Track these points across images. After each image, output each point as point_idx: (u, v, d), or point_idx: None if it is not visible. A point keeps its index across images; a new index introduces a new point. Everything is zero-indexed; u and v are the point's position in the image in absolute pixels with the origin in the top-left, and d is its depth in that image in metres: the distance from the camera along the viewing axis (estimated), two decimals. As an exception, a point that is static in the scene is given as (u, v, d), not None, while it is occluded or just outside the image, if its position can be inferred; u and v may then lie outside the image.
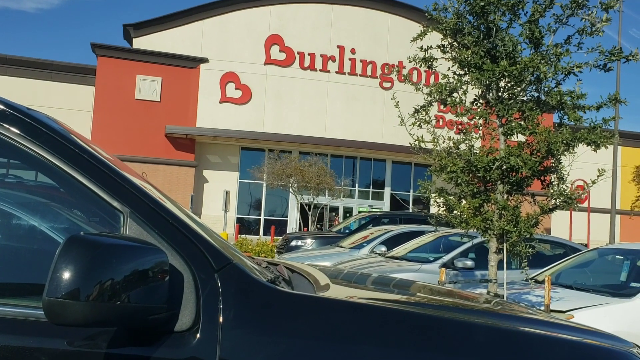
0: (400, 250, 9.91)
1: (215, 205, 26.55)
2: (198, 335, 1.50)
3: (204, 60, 27.99)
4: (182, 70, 27.58)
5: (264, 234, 27.32)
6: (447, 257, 8.51)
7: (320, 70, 29.31)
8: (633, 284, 6.21)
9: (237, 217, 28.21)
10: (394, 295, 2.40)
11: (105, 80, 26.44)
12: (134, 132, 26.47)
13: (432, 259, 8.92)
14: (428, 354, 1.61)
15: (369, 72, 29.85)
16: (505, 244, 5.00)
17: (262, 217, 29.26)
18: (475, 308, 2.30)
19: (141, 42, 27.73)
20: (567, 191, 4.94)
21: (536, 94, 5.06)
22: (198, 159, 28.09)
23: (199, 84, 27.88)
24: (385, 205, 30.77)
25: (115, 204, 1.59)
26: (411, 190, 30.92)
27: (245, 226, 28.08)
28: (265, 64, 28.70)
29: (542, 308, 5.16)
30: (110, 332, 1.47)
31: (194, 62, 27.86)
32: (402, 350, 1.60)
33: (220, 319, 1.51)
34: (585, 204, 21.63)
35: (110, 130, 25.92)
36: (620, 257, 7.28)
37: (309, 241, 14.70)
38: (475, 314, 2.13)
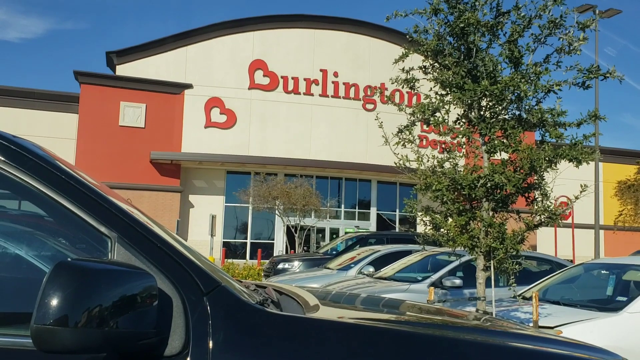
0: (388, 270, 9.88)
1: (201, 230, 26.36)
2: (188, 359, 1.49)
3: (188, 86, 28.06)
4: (166, 96, 27.60)
5: (251, 258, 27.15)
6: (435, 276, 8.50)
7: (304, 94, 29.51)
8: (619, 298, 6.24)
9: (224, 242, 28.03)
10: (383, 314, 2.40)
11: (88, 108, 26.36)
12: (118, 158, 26.33)
13: (420, 278, 8.90)
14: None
15: (352, 95, 30.11)
16: (492, 261, 5.03)
17: (248, 241, 29.11)
18: (464, 325, 2.31)
19: (125, 69, 27.76)
20: (551, 207, 4.99)
21: (517, 112, 5.15)
22: (183, 184, 27.97)
23: (184, 109, 27.90)
24: (371, 225, 30.78)
25: (102, 229, 1.58)
26: (397, 210, 30.99)
27: (231, 250, 27.89)
28: (249, 88, 28.84)
29: (531, 324, 5.17)
30: (100, 359, 1.45)
31: (178, 88, 27.91)
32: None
33: (210, 343, 1.50)
34: (569, 220, 21.82)
35: (94, 157, 25.76)
36: (606, 271, 7.33)
37: (296, 263, 14.62)
38: (464, 331, 2.13)
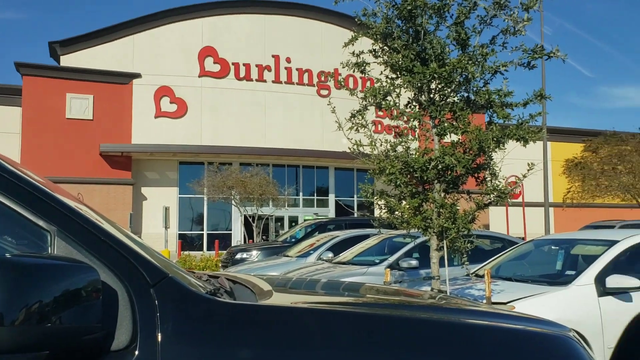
0: (347, 255, 9.96)
1: (155, 222, 25.93)
2: (136, 353, 1.45)
3: (137, 76, 27.41)
4: (114, 86, 26.89)
5: (208, 249, 26.90)
6: (392, 259, 8.62)
7: (257, 80, 29.25)
8: (568, 272, 6.45)
9: (179, 234, 27.68)
10: (339, 298, 2.40)
11: (32, 100, 25.44)
12: (66, 152, 25.56)
13: (378, 261, 9.01)
14: (375, 352, 1.62)
15: (305, 81, 30.01)
16: (445, 241, 5.11)
17: (204, 232, 28.81)
18: (420, 304, 2.33)
19: (69, 60, 26.89)
20: (500, 186, 5.10)
21: (466, 94, 5.22)
22: (135, 177, 27.41)
23: (133, 99, 27.27)
24: (330, 212, 30.92)
25: (40, 223, 1.52)
26: (355, 196, 31.21)
27: (188, 242, 27.56)
28: (199, 76, 28.39)
29: (484, 301, 5.30)
30: (43, 357, 1.40)
31: (126, 78, 27.22)
32: (349, 351, 1.60)
33: (159, 335, 1.47)
34: (520, 199, 22.43)
35: (40, 151, 24.94)
36: (555, 247, 7.56)
37: (254, 253, 14.56)
38: (420, 309, 2.16)
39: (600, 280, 5.67)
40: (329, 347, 1.58)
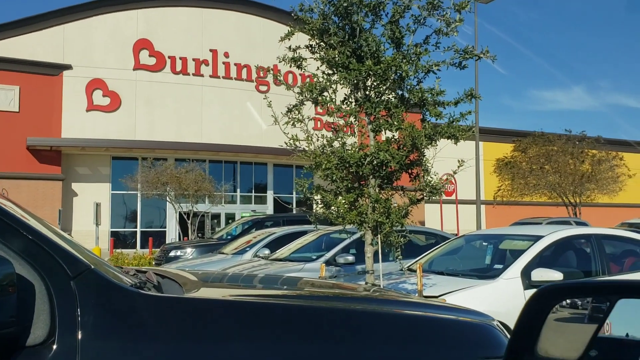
0: (284, 251, 9.95)
1: (86, 219, 25.01)
2: (54, 348, 1.39)
3: (67, 67, 26.34)
4: (42, 77, 25.73)
5: (142, 247, 26.19)
6: (329, 254, 8.67)
7: (194, 75, 28.70)
8: (496, 266, 6.68)
9: (112, 231, 26.84)
10: (272, 291, 2.39)
11: (-48, 90, 24.03)
12: (-11, 145, 24.30)
13: (315, 257, 9.04)
14: (300, 343, 1.62)
15: (244, 76, 29.71)
16: (379, 236, 5.19)
17: (138, 229, 28.05)
18: (354, 296, 2.36)
19: (-6, 48, 25.54)
20: (432, 182, 5.23)
21: (400, 92, 5.31)
22: (65, 172, 26.36)
23: (63, 92, 26.18)
24: (268, 209, 30.77)
25: None
26: (294, 192, 31.19)
27: (120, 240, 26.76)
28: (134, 69, 27.58)
29: (417, 294, 5.41)
30: None
31: (55, 69, 26.10)
32: (277, 342, 1.60)
33: (79, 329, 1.42)
34: (453, 197, 23.08)
35: (-39, 145, 23.60)
36: (485, 242, 7.83)
37: (189, 250, 14.32)
38: (354, 301, 2.18)
39: (526, 273, 5.91)
40: (254, 339, 1.57)
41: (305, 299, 2.13)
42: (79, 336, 1.42)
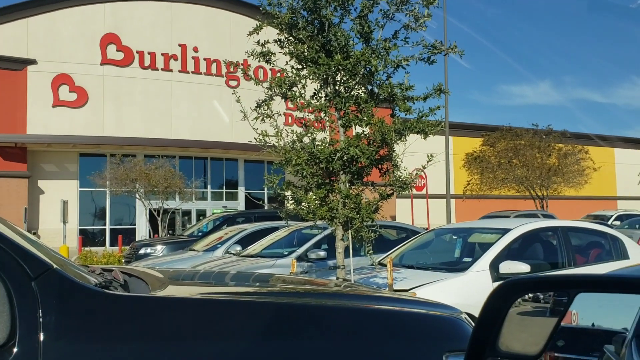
0: (256, 247, 9.91)
1: (53, 218, 24.51)
2: (15, 351, 1.35)
3: (32, 62, 25.71)
4: (5, 72, 25.07)
5: (111, 245, 25.80)
6: (300, 250, 8.67)
7: (162, 70, 28.30)
8: (465, 259, 6.77)
9: (80, 229, 26.36)
10: (241, 288, 2.38)
11: None
12: (-50, 142, 23.61)
13: (286, 253, 9.04)
14: (268, 340, 1.61)
15: (213, 71, 29.42)
16: (350, 231, 5.21)
17: (107, 227, 27.61)
18: (325, 292, 2.36)
19: (-47, 42, 24.79)
20: (402, 177, 5.26)
21: (370, 87, 5.33)
22: (31, 169, 25.77)
23: (27, 87, 25.55)
24: (240, 205, 30.59)
25: None
26: (265, 189, 30.96)
27: (89, 238, 26.31)
28: (101, 64, 27.07)
29: (387, 289, 5.45)
30: None
31: (19, 64, 25.45)
32: (244, 340, 1.58)
33: (41, 330, 1.38)
34: (424, 191, 23.30)
35: None
36: (454, 236, 7.92)
37: (159, 247, 14.16)
38: (325, 296, 2.18)
39: (494, 266, 6.00)
40: (221, 337, 1.56)
41: (276, 295, 2.13)
42: (41, 338, 1.39)
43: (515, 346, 0.95)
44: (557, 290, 1.03)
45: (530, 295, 1.01)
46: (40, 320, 1.40)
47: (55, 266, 1.51)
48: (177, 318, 1.57)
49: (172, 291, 1.94)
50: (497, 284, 5.75)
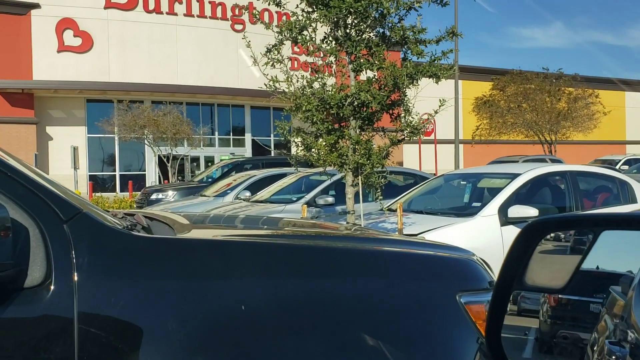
0: (264, 193, 10.03)
1: (63, 164, 24.70)
2: (52, 288, 1.43)
3: (35, 6, 25.30)
4: (9, 17, 24.73)
5: (121, 191, 26.07)
6: (309, 196, 8.77)
7: (167, 13, 27.80)
8: (474, 204, 6.83)
9: (90, 175, 26.60)
10: (256, 231, 2.44)
11: None
12: (-43, 89, 23.57)
13: (295, 199, 9.14)
14: (292, 279, 1.68)
15: (219, 14, 28.87)
16: (360, 177, 5.25)
17: (117, 173, 27.84)
18: (336, 235, 2.42)
19: (-46, -14, 24.36)
20: (413, 122, 5.26)
21: (381, 30, 5.25)
22: (39, 115, 25.80)
23: (32, 32, 25.25)
24: (247, 151, 30.65)
25: None
26: (272, 135, 31.00)
27: (99, 184, 26.58)
28: (105, 7, 26.58)
29: (397, 233, 5.54)
30: None
31: (23, 8, 25.07)
32: (266, 279, 1.65)
33: (75, 270, 1.45)
34: (432, 137, 23.20)
35: None
36: (463, 181, 7.96)
37: (170, 193, 14.34)
38: (336, 239, 2.24)
39: (503, 211, 6.06)
40: (248, 277, 1.63)
41: (291, 238, 2.19)
42: (75, 277, 1.46)
43: (540, 281, 1.00)
44: (584, 228, 1.08)
45: (552, 234, 1.06)
46: (74, 260, 1.47)
47: (84, 209, 1.57)
48: (203, 258, 1.63)
49: (197, 234, 2.00)
50: (505, 228, 5.87)
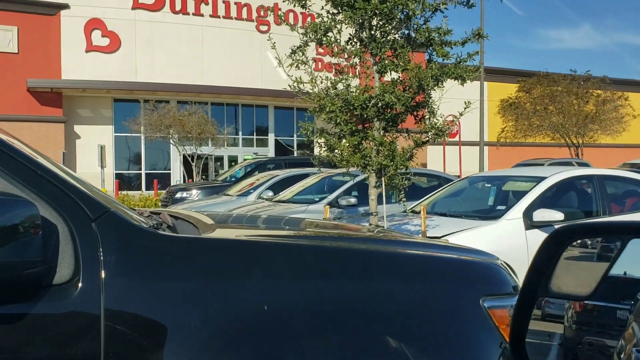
0: (287, 193, 10.05)
1: (90, 162, 25.12)
2: (79, 286, 1.46)
3: (64, 7, 25.77)
4: (40, 17, 25.23)
5: (147, 189, 26.42)
6: (331, 197, 8.76)
7: (194, 14, 28.08)
8: (499, 207, 6.76)
9: (116, 173, 26.99)
10: (281, 232, 2.45)
11: (-51, 31, 23.62)
12: (-10, 87, 24.10)
13: (317, 199, 9.15)
14: (314, 281, 1.69)
15: (244, 15, 29.06)
16: (383, 178, 5.24)
17: (143, 172, 28.21)
18: (358, 236, 2.42)
19: (-11, -13, 24.92)
20: (438, 124, 5.23)
21: (406, 32, 5.23)
22: (67, 114, 26.25)
23: (61, 32, 25.72)
24: (270, 151, 30.79)
25: None
26: (295, 135, 31.09)
27: (125, 182, 26.96)
28: (132, 8, 26.96)
29: (420, 235, 5.51)
30: None
31: (53, 9, 25.55)
32: (289, 280, 1.66)
33: (102, 268, 1.48)
34: (456, 138, 23.02)
35: (-38, 86, 23.40)
36: (488, 184, 7.89)
37: (194, 192, 14.47)
38: (358, 241, 2.24)
39: (527, 214, 5.99)
40: (271, 277, 1.64)
41: (313, 238, 2.19)
42: (102, 275, 1.48)
43: (566, 287, 0.99)
44: (612, 236, 1.06)
45: (579, 241, 1.04)
46: (101, 258, 1.49)
47: (112, 208, 1.60)
48: (228, 258, 1.65)
49: (221, 233, 2.02)
50: (530, 232, 5.80)
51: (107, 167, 23.45)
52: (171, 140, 23.47)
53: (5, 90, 24.40)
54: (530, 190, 6.34)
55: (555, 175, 6.64)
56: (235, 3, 28.84)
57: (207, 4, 28.31)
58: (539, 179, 6.53)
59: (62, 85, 25.46)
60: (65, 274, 1.46)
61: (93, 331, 1.44)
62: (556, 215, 5.83)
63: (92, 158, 24.51)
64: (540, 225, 5.82)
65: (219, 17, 28.55)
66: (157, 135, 23.25)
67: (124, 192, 21.18)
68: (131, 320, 1.49)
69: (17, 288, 1.42)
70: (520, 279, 1.16)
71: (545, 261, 0.96)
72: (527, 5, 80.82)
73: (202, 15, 28.22)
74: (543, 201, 6.27)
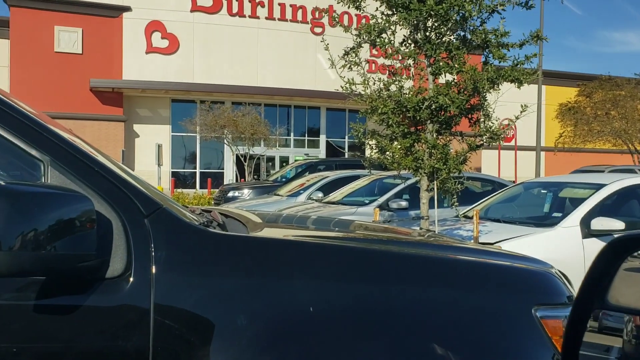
0: (337, 195, 10.05)
1: (148, 160, 25.87)
2: (131, 280, 1.49)
3: (127, 9, 26.65)
4: (103, 19, 26.19)
5: (201, 187, 27.00)
6: (382, 199, 8.70)
7: (250, 17, 28.52)
8: (555, 214, 6.56)
9: (172, 172, 27.70)
10: (329, 233, 2.45)
11: (20, 33, 24.78)
12: (55, 87, 25.14)
13: (367, 201, 9.10)
14: (362, 284, 1.67)
15: (299, 17, 29.30)
16: (435, 182, 5.16)
17: (197, 170, 28.86)
18: (408, 240, 2.39)
19: (56, -10, 26.03)
20: (493, 127, 5.11)
21: (462, 33, 5.14)
22: (127, 113, 27.13)
23: (123, 34, 26.62)
24: (321, 152, 30.91)
25: (34, 152, 1.53)
26: (346, 137, 31.11)
27: (180, 180, 27.64)
28: (191, 11, 27.63)
29: (472, 241, 5.40)
30: (40, 283, 1.44)
31: (115, 11, 26.47)
32: (336, 282, 1.65)
33: (153, 264, 1.51)
34: (512, 143, 22.48)
35: (30, 85, 24.49)
36: (544, 190, 7.66)
37: (246, 191, 14.67)
38: (408, 245, 2.21)
39: (585, 222, 5.78)
40: (319, 278, 1.63)
41: (363, 241, 2.18)
42: (153, 270, 1.51)
43: (625, 300, 0.94)
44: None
45: (639, 252, 0.99)
46: (153, 254, 1.53)
47: (164, 205, 1.63)
48: (276, 257, 1.66)
49: (269, 232, 2.04)
50: (587, 240, 5.59)
51: (163, 166, 24.07)
52: (225, 140, 23.91)
53: (69, 89, 25.42)
54: (588, 197, 6.11)
55: (616, 183, 6.38)
56: (291, 5, 29.12)
57: (263, 6, 28.70)
58: (599, 186, 6.30)
59: (123, 86, 26.32)
60: (118, 268, 1.50)
61: (142, 325, 1.48)
62: (616, 224, 5.60)
63: (150, 156, 25.22)
64: (599, 234, 5.60)
65: (274, 19, 28.90)
66: (211, 135, 23.74)
67: (179, 190, 21.69)
68: (180, 315, 1.52)
69: (71, 280, 1.47)
70: (576, 289, 1.12)
71: (602, 271, 0.91)
72: (588, 6, 78.12)
73: (257, 17, 28.63)
74: (602, 209, 6.04)
